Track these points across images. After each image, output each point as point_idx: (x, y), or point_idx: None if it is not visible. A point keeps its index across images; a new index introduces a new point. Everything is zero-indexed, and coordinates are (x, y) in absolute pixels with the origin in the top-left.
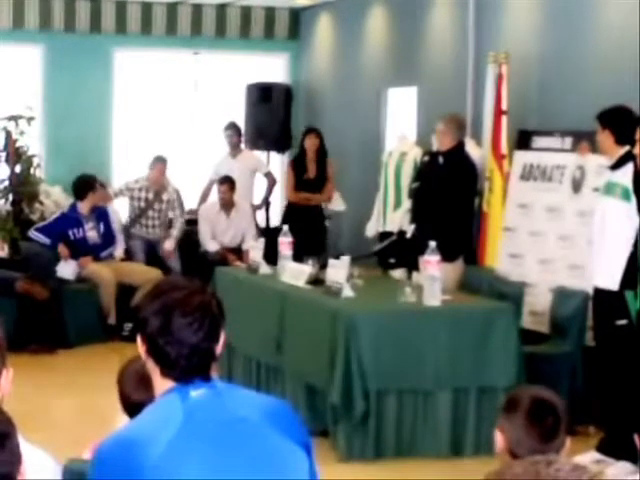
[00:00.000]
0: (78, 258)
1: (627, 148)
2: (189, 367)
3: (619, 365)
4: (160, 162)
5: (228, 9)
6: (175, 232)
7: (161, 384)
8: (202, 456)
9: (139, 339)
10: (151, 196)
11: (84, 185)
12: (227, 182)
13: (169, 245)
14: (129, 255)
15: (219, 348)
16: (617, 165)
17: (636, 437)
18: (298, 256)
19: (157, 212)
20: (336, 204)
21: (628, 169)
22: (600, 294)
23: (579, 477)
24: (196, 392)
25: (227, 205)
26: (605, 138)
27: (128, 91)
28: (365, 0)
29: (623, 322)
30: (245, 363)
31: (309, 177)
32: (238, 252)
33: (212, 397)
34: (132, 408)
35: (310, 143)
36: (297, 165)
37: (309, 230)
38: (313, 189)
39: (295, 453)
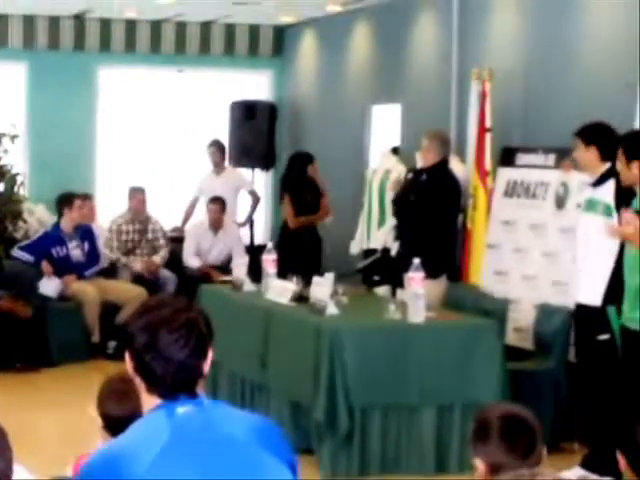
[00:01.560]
0: (62, 276)
1: (608, 165)
2: (175, 384)
3: (600, 380)
4: (138, 192)
5: (212, 27)
6: (162, 253)
7: (148, 401)
8: (187, 472)
9: (127, 356)
10: (138, 227)
11: (61, 202)
12: (218, 202)
13: (157, 259)
14: (114, 274)
15: (207, 365)
16: (598, 182)
17: (618, 454)
18: (294, 274)
19: (146, 242)
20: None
21: (610, 186)
22: (582, 310)
23: None
24: (183, 409)
25: (216, 225)
26: (590, 155)
27: (112, 109)
28: (349, 17)
29: (605, 337)
30: (230, 380)
31: (307, 201)
32: (223, 271)
33: (198, 414)
34: (111, 424)
35: (314, 172)
36: (296, 193)
37: (306, 249)
38: (313, 210)
39: (281, 471)
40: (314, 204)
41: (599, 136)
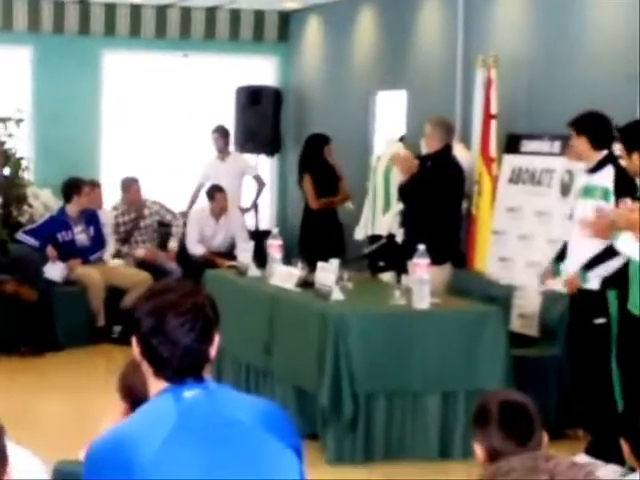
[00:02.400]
0: (67, 261)
1: (605, 152)
2: (182, 368)
3: (596, 365)
4: (133, 182)
5: (217, 12)
6: (173, 239)
7: (155, 384)
8: (194, 456)
9: (134, 340)
10: (134, 216)
11: (70, 188)
12: (222, 191)
13: (172, 245)
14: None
15: (213, 350)
16: (595, 168)
17: (622, 441)
18: (317, 259)
19: (144, 229)
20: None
21: (608, 171)
22: (578, 293)
23: (576, 474)
24: (189, 393)
25: (220, 212)
26: (580, 144)
27: (117, 93)
28: (354, 3)
29: (601, 321)
30: (234, 365)
31: (326, 182)
32: (228, 257)
33: (205, 398)
34: (134, 398)
35: (330, 153)
36: (316, 175)
37: (328, 233)
38: (331, 193)
39: (286, 455)
40: (332, 187)
41: (589, 125)
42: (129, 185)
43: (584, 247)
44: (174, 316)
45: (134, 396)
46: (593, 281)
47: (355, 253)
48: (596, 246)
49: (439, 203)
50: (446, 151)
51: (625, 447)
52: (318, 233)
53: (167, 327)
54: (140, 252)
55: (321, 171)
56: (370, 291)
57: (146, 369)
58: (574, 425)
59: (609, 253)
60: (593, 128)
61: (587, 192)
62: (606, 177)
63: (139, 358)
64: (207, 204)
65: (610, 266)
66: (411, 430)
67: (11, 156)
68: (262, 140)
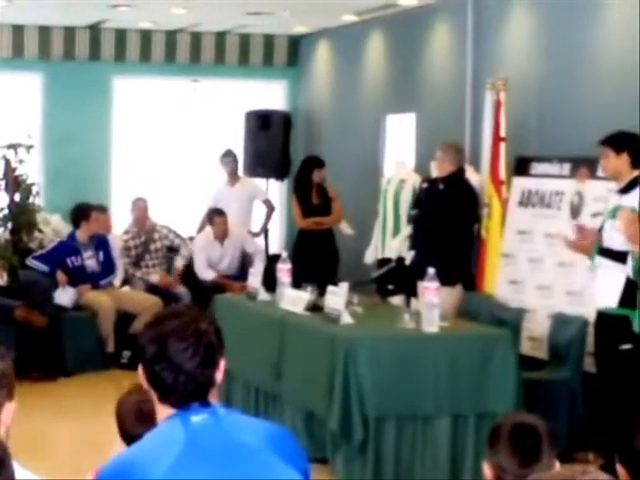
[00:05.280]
0: (77, 286)
1: (637, 173)
2: (186, 393)
3: (623, 391)
4: (140, 201)
5: (227, 36)
6: (180, 258)
7: (162, 411)
8: (202, 479)
9: (140, 368)
10: (144, 239)
11: (78, 214)
12: (223, 215)
13: (179, 263)
14: (129, 285)
15: (218, 375)
16: (626, 189)
17: (618, 465)
18: (310, 281)
19: (154, 252)
20: (344, 228)
21: (636, 193)
22: (604, 318)
23: None
24: (197, 418)
25: (222, 235)
26: (622, 162)
27: (127, 119)
28: (364, 27)
29: (627, 347)
30: (244, 389)
31: (313, 203)
32: (238, 279)
33: (213, 422)
34: (130, 441)
35: (320, 176)
36: (302, 195)
37: (322, 255)
38: (320, 214)
39: (294, 479)
40: (323, 208)
41: (630, 143)
42: (135, 203)
43: (617, 271)
44: (176, 341)
45: (123, 430)
46: (611, 297)
47: (364, 277)
48: (627, 270)
49: (453, 225)
50: (459, 173)
51: (621, 471)
52: (308, 257)
53: (169, 353)
54: (154, 278)
55: (308, 192)
56: (379, 315)
57: (153, 396)
58: (584, 449)
59: (622, 257)
60: (633, 145)
61: (617, 212)
62: (635, 199)
63: (146, 386)
64: (210, 229)
65: (614, 267)
66: (421, 454)
67: (22, 182)
68: (272, 164)
